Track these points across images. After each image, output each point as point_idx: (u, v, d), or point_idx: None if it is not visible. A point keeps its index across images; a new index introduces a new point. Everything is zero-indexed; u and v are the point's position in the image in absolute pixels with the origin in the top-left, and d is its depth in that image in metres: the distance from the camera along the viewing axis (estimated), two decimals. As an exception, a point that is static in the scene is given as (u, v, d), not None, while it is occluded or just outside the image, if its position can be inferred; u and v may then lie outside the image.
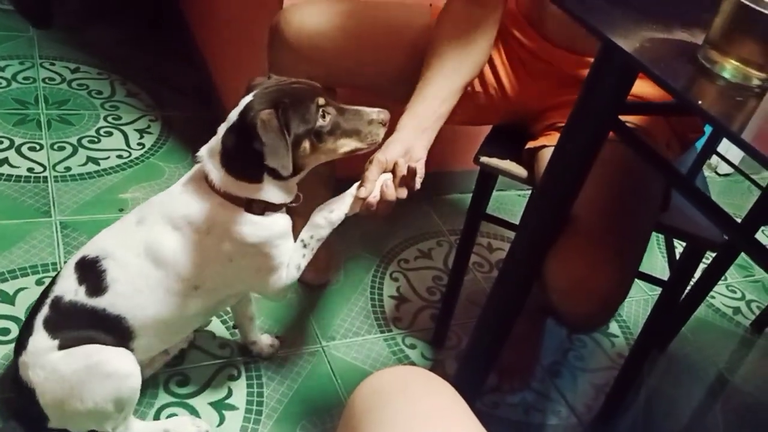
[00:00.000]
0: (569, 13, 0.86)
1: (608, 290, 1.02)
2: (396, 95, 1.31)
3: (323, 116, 1.01)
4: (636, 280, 1.32)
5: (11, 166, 1.75)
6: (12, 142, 1.83)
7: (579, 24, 0.83)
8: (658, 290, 1.36)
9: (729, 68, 0.76)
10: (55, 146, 1.86)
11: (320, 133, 1.02)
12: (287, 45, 1.31)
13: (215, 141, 1.04)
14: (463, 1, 1.20)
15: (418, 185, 1.09)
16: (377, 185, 1.06)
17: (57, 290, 1.09)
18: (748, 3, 0.73)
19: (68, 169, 1.79)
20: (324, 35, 1.30)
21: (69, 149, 1.86)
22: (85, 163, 1.83)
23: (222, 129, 1.03)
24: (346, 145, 1.05)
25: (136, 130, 2.01)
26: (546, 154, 1.20)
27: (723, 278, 1.98)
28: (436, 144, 1.84)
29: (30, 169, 1.76)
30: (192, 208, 1.05)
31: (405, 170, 1.07)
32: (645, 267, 1.20)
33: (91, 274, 1.07)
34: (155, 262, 1.06)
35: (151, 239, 1.06)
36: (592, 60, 1.19)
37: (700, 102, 0.71)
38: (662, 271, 1.98)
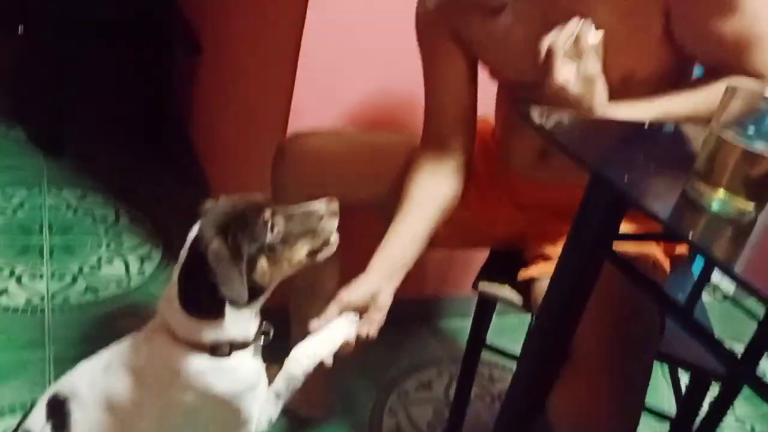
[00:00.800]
0: (558, 146, 0.89)
1: (613, 429, 0.99)
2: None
3: (272, 229, 0.99)
4: (643, 414, 1.28)
5: (9, 297, 1.75)
6: (12, 271, 1.84)
7: (570, 158, 0.86)
8: (668, 424, 1.31)
9: (717, 199, 0.78)
10: (56, 275, 1.87)
11: (273, 246, 0.99)
12: (291, 170, 1.38)
13: (171, 284, 1.00)
14: (431, 149, 1.28)
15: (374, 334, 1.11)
16: (342, 324, 1.09)
17: (28, 422, 1.05)
18: (727, 138, 0.76)
19: (66, 300, 1.79)
20: (327, 162, 1.38)
21: (69, 278, 1.87)
22: (84, 293, 1.83)
23: (176, 270, 1.00)
24: (302, 248, 1.02)
25: (138, 256, 2.02)
26: (539, 285, 1.21)
27: (731, 409, 1.90)
28: (435, 269, 1.84)
29: (28, 301, 1.75)
30: (153, 358, 1.01)
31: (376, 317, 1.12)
32: (650, 398, 1.16)
33: (58, 411, 1.03)
34: (113, 413, 1.01)
35: (112, 389, 1.02)
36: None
37: (691, 234, 0.72)
38: (669, 402, 1.91)
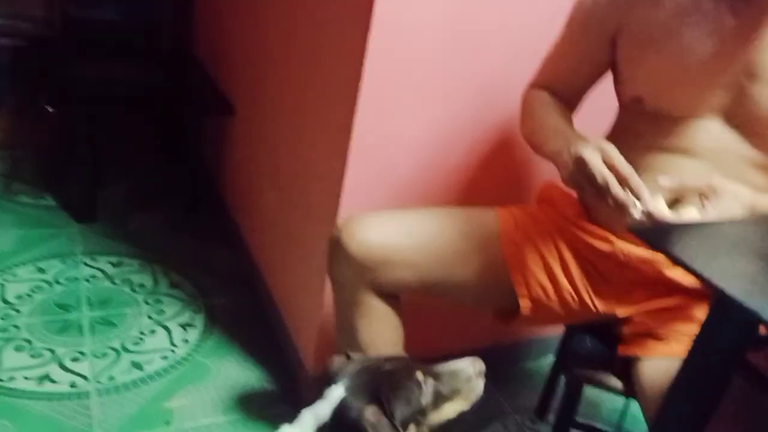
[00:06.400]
0: (678, 262, 0.76)
1: None
2: (469, 300, 1.28)
3: (424, 391, 0.92)
4: None
5: (52, 381, 1.66)
6: (53, 353, 1.75)
7: (693, 276, 0.73)
8: None
9: None
10: (98, 353, 1.78)
11: (424, 410, 0.92)
12: (352, 259, 1.23)
13: None
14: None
15: None
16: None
17: None
18: None
19: (111, 378, 1.70)
20: (390, 247, 1.22)
21: (112, 355, 1.78)
22: (129, 370, 1.74)
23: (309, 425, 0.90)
24: (450, 409, 0.96)
25: (180, 324, 1.93)
26: (646, 369, 1.09)
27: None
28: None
29: (72, 384, 1.66)
30: None
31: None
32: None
33: None
34: None
35: None
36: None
37: None
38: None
